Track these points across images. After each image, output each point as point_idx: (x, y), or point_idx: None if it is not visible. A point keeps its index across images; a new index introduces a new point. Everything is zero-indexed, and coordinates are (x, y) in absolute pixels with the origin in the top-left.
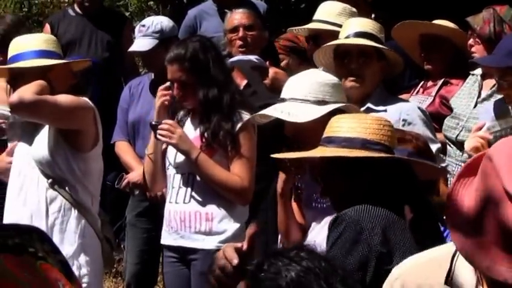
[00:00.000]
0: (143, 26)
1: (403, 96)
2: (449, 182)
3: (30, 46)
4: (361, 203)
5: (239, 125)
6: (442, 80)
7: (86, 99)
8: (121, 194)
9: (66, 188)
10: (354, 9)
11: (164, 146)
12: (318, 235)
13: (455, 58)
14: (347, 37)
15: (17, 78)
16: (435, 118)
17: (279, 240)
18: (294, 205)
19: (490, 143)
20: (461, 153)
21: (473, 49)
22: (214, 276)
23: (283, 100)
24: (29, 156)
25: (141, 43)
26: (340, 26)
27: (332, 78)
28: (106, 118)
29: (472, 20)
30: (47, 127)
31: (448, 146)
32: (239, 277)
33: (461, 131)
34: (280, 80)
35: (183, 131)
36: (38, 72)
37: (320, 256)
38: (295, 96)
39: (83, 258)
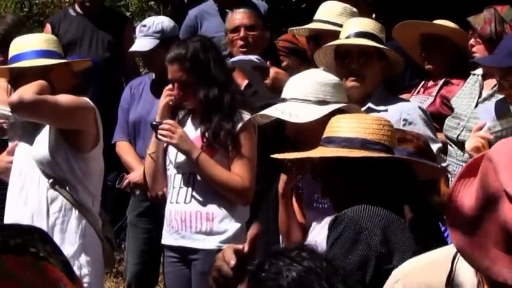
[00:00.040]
0: (144, 26)
1: (403, 96)
2: (450, 182)
3: (31, 46)
4: (361, 203)
5: (240, 125)
6: (443, 80)
7: (86, 99)
8: (122, 194)
9: (67, 188)
10: (355, 9)
11: (165, 146)
12: (319, 235)
13: (456, 58)
14: (347, 37)
15: (18, 78)
16: (436, 118)
17: (280, 241)
18: (295, 205)
19: (490, 143)
20: (462, 153)
21: (474, 49)
22: (212, 278)
23: (284, 100)
24: (29, 156)
25: (142, 43)
26: (341, 26)
27: (333, 78)
28: (107, 118)
29: (473, 20)
30: (47, 127)
31: (449, 146)
32: (237, 279)
33: (462, 130)
34: (281, 80)
35: (183, 131)
36: (39, 72)
37: (321, 256)
38: (296, 96)
39: (83, 258)
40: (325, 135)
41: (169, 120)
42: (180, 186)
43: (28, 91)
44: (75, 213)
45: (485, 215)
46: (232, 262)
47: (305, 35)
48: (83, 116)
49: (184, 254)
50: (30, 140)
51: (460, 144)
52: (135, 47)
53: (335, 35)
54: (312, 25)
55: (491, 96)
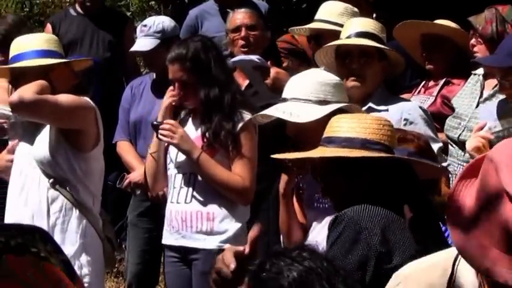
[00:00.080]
0: (145, 26)
1: (404, 96)
2: (451, 182)
3: (31, 46)
4: (361, 202)
5: (240, 125)
6: (444, 80)
7: (87, 99)
8: (122, 193)
9: (68, 187)
10: (356, 9)
11: (166, 145)
12: (319, 235)
13: (457, 58)
14: (348, 37)
15: (19, 78)
16: (437, 118)
17: (281, 241)
18: (296, 205)
19: (491, 143)
20: (463, 153)
21: (475, 49)
22: (212, 280)
23: (285, 100)
24: (30, 156)
25: (143, 43)
26: (341, 25)
27: (333, 78)
28: (107, 118)
29: (474, 20)
30: (48, 127)
31: (450, 146)
32: (237, 281)
33: (463, 130)
34: (281, 80)
35: (184, 131)
36: (39, 71)
37: (322, 256)
38: (297, 96)
39: (84, 258)
40: (325, 135)
41: (170, 120)
42: (180, 186)
43: (28, 91)
44: (75, 213)
45: (485, 215)
46: (232, 266)
47: (306, 34)
48: (84, 115)
49: (185, 254)
50: (30, 140)
51: (461, 144)
52: (136, 47)
53: (336, 34)
54: (313, 25)
55: (492, 96)
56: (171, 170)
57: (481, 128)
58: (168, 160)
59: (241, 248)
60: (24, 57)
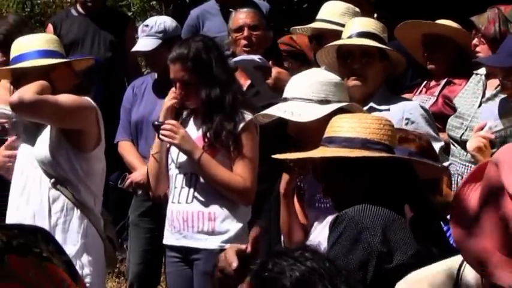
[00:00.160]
0: (146, 26)
1: (405, 96)
2: (452, 182)
3: (32, 46)
4: (362, 202)
5: (241, 125)
6: (445, 80)
7: (88, 99)
8: (124, 193)
9: (69, 187)
10: (357, 9)
11: (168, 146)
12: (320, 235)
13: (458, 58)
14: (349, 37)
15: (20, 78)
16: (438, 118)
17: (281, 241)
18: (297, 205)
19: (492, 143)
20: (465, 153)
21: (477, 49)
22: (214, 278)
23: (286, 100)
24: (31, 156)
25: (144, 43)
26: (343, 25)
27: (334, 78)
28: (109, 118)
29: (477, 20)
30: (49, 127)
31: (451, 146)
32: (239, 279)
33: (465, 130)
34: (283, 80)
35: (185, 131)
36: (40, 72)
37: (324, 257)
38: (298, 96)
39: (85, 258)
40: (326, 135)
41: (172, 121)
42: (181, 186)
43: (28, 91)
44: (77, 213)
45: (489, 220)
46: (234, 264)
47: (307, 34)
48: (85, 115)
49: (186, 254)
50: (32, 140)
51: (463, 144)
52: (137, 47)
53: (337, 34)
54: (315, 24)
55: (494, 96)
56: (172, 170)
57: (481, 128)
58: (169, 160)
59: (243, 247)
60: (25, 57)
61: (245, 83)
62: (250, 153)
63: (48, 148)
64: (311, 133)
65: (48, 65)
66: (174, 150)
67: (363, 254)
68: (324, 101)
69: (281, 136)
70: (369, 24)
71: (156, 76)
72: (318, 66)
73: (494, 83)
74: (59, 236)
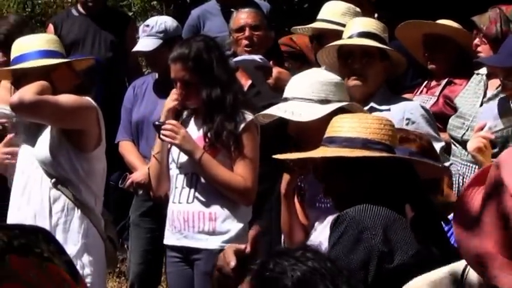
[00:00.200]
0: (147, 26)
1: (406, 96)
2: (453, 182)
3: (32, 46)
4: (362, 202)
5: (242, 125)
6: (446, 80)
7: (89, 99)
8: (124, 193)
9: (70, 187)
10: (358, 9)
11: (169, 146)
12: (321, 235)
13: (459, 58)
14: (350, 37)
15: (21, 79)
16: (439, 118)
17: (282, 241)
18: (297, 206)
19: (492, 143)
20: (466, 153)
21: (479, 49)
22: (213, 278)
23: (286, 100)
24: (32, 156)
25: (145, 43)
26: (344, 25)
27: (334, 77)
28: (110, 118)
29: (478, 20)
30: (50, 127)
31: (452, 146)
32: (238, 279)
33: (467, 130)
34: (283, 79)
35: (186, 131)
36: (41, 72)
37: (325, 257)
38: (298, 96)
39: (86, 258)
40: (326, 135)
41: (172, 121)
42: (182, 186)
43: (28, 92)
44: (77, 212)
45: (492, 223)
46: (232, 263)
47: (308, 34)
48: (85, 115)
49: (187, 254)
50: (33, 140)
51: (465, 144)
52: (138, 47)
53: (338, 34)
54: (315, 24)
55: (496, 96)
56: (173, 170)
57: (481, 128)
58: (170, 160)
59: (242, 246)
60: (25, 58)
61: (246, 83)
62: (251, 153)
63: (48, 148)
64: (311, 133)
65: (49, 65)
66: (174, 150)
67: (364, 253)
68: (325, 101)
69: (282, 136)
70: (370, 24)
71: (156, 76)
72: (319, 66)
73: (495, 83)
74: (59, 236)
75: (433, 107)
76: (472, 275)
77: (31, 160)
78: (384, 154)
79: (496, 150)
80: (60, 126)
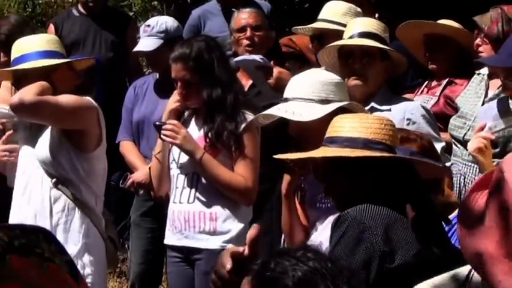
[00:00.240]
0: (148, 26)
1: (407, 96)
2: (454, 182)
3: (33, 47)
4: (363, 202)
5: (243, 125)
6: (447, 80)
7: (89, 99)
8: (125, 193)
9: (70, 187)
10: (359, 9)
11: (170, 147)
12: (321, 235)
13: (460, 58)
14: (351, 37)
15: (21, 79)
16: (440, 118)
17: (282, 241)
18: (298, 206)
19: (493, 143)
20: (467, 153)
21: (480, 49)
22: (211, 281)
23: (287, 100)
24: (33, 156)
25: (146, 43)
26: (345, 25)
27: (334, 77)
28: (110, 118)
29: (480, 20)
30: (50, 127)
31: (454, 146)
32: (236, 282)
33: (468, 130)
34: (284, 79)
35: (187, 131)
36: (41, 73)
37: (326, 257)
38: (299, 96)
39: (86, 258)
40: (327, 135)
41: (173, 121)
42: (183, 186)
43: (28, 92)
44: (78, 212)
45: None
46: (228, 266)
47: (309, 34)
48: (86, 116)
49: (188, 254)
50: (33, 140)
51: (466, 144)
52: (139, 47)
53: (339, 34)
54: (316, 24)
55: (497, 96)
56: (174, 170)
57: (482, 129)
58: (171, 160)
59: (240, 249)
60: (25, 58)
61: (247, 83)
62: (252, 153)
63: (49, 148)
64: (312, 133)
65: (49, 65)
66: (175, 150)
67: (365, 253)
68: (325, 101)
69: (282, 136)
70: (370, 24)
71: (157, 76)
72: (319, 66)
73: (496, 83)
74: (60, 236)
75: (434, 107)
76: (476, 280)
77: (32, 160)
78: (385, 154)
79: (497, 150)
80: (61, 127)
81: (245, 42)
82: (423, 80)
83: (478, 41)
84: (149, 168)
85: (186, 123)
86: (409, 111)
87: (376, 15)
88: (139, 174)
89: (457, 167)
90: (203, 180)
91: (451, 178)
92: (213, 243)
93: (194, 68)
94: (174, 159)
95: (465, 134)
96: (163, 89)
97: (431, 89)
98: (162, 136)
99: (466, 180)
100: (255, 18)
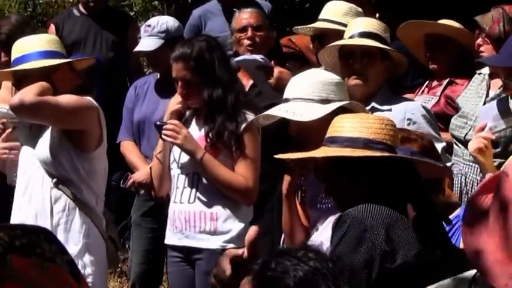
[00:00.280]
0: (149, 26)
1: (407, 96)
2: (454, 182)
3: (33, 47)
4: (364, 202)
5: (243, 125)
6: (447, 80)
7: (90, 99)
8: (126, 193)
9: (71, 187)
10: (360, 9)
11: (172, 147)
12: (321, 235)
13: (460, 58)
14: (351, 37)
15: (22, 80)
16: (440, 118)
17: (281, 241)
18: (299, 206)
19: (494, 143)
20: (468, 153)
21: (481, 48)
22: (211, 285)
23: (287, 100)
24: (33, 156)
25: (147, 43)
26: (345, 25)
27: (334, 77)
28: (111, 118)
29: (481, 20)
30: (51, 127)
31: (454, 145)
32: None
33: (469, 130)
34: (285, 79)
35: (188, 131)
36: (42, 73)
37: (327, 257)
38: (299, 96)
39: (87, 258)
40: (328, 135)
41: (174, 121)
42: (184, 186)
43: (29, 93)
44: (78, 212)
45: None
46: (227, 273)
47: (310, 34)
48: (86, 116)
49: (188, 254)
50: (34, 140)
51: (467, 144)
52: (139, 47)
53: (340, 34)
54: (317, 24)
55: (498, 96)
56: (174, 170)
57: (482, 129)
58: (172, 160)
59: (240, 251)
60: (26, 59)
61: (247, 83)
62: (252, 153)
63: (49, 148)
64: (313, 133)
65: (50, 66)
66: (176, 150)
67: (367, 253)
68: (325, 101)
69: (283, 137)
70: (371, 24)
71: (158, 76)
72: (319, 66)
73: (498, 82)
74: (60, 236)
75: (435, 107)
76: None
77: (33, 160)
78: (386, 154)
79: (498, 150)
80: (61, 127)
81: (246, 42)
82: (424, 80)
83: (479, 41)
84: (150, 168)
85: (186, 123)
86: (409, 111)
87: (377, 15)
88: (140, 174)
89: (458, 167)
90: (204, 180)
91: (452, 178)
92: (213, 243)
93: (195, 68)
94: (174, 159)
95: (466, 133)
96: (164, 89)
97: (432, 89)
98: (162, 136)
99: (467, 180)
100: (256, 18)
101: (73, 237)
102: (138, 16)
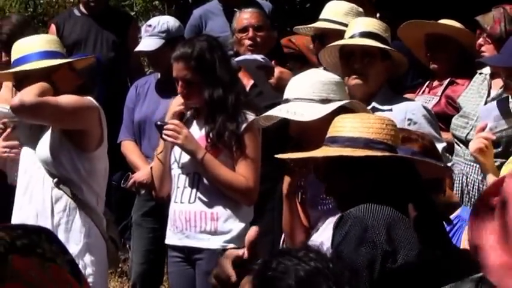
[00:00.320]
0: (149, 25)
1: (407, 96)
2: (456, 182)
3: (33, 48)
4: (364, 202)
5: (244, 125)
6: (448, 80)
7: (90, 98)
8: (126, 193)
9: (71, 187)
10: (361, 9)
11: (172, 147)
12: (321, 235)
13: (461, 58)
14: (352, 37)
15: (22, 80)
16: (441, 118)
17: (281, 241)
18: (299, 207)
19: (494, 143)
20: (469, 152)
21: (483, 48)
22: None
23: (287, 100)
24: (34, 156)
25: (148, 43)
26: (346, 25)
27: (334, 77)
28: (112, 118)
29: (482, 19)
30: (51, 127)
31: (455, 145)
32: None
33: (471, 130)
34: (285, 79)
35: (188, 131)
36: (42, 73)
37: (327, 257)
38: (299, 96)
39: (88, 258)
40: (328, 134)
41: (175, 121)
42: (184, 186)
43: (29, 94)
44: (79, 212)
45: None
46: (233, 279)
47: (310, 34)
48: (87, 116)
49: (189, 254)
50: (35, 140)
51: (468, 143)
52: (140, 47)
53: (340, 34)
54: (318, 24)
55: (500, 95)
56: (175, 170)
57: (483, 129)
58: (172, 160)
59: (240, 252)
60: (26, 59)
61: (248, 83)
62: (253, 153)
63: (50, 148)
64: (313, 133)
65: (50, 66)
66: (177, 150)
67: (368, 253)
68: (326, 100)
69: (283, 137)
70: (372, 24)
71: (159, 76)
72: (319, 66)
73: (499, 82)
74: (61, 236)
75: (435, 107)
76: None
77: (33, 160)
78: (386, 154)
79: (499, 149)
80: (62, 127)
81: (247, 42)
82: (424, 80)
83: (480, 40)
84: (151, 168)
85: (187, 123)
86: (410, 111)
87: (378, 15)
88: (141, 174)
89: (459, 167)
90: (204, 180)
91: (452, 178)
92: (214, 243)
93: (196, 68)
94: (175, 159)
95: (467, 133)
96: (164, 89)
97: (433, 89)
98: (163, 136)
99: (468, 180)
100: (257, 18)
101: (74, 237)
102: (138, 16)
